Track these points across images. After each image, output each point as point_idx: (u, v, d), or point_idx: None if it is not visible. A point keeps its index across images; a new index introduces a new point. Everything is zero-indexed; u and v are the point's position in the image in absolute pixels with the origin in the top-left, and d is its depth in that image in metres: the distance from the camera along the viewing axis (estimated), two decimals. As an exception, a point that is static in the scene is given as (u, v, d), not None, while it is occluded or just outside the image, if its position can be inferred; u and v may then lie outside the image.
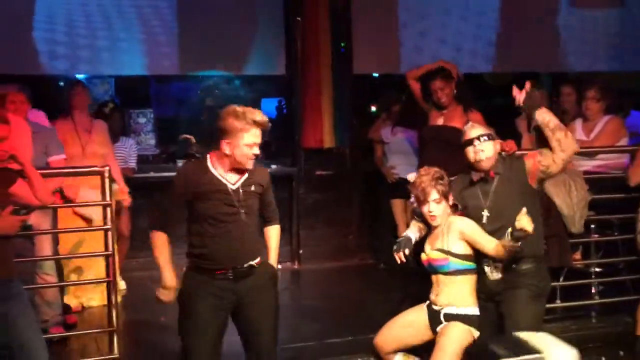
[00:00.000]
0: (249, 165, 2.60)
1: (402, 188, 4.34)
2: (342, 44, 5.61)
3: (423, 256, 2.97)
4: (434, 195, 2.86)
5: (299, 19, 5.46)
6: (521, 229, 2.64)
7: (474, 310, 2.85)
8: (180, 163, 5.54)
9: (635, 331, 3.63)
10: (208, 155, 2.66)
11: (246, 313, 2.68)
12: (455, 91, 4.21)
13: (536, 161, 2.92)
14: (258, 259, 2.69)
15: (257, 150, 2.60)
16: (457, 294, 2.84)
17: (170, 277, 2.65)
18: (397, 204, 5.10)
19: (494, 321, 2.96)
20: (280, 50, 5.57)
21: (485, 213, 2.92)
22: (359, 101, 5.85)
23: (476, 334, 2.83)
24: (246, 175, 2.63)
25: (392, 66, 5.81)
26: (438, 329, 2.86)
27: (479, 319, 2.85)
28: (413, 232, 3.04)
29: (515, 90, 3.00)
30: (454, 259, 2.84)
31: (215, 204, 2.57)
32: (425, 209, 2.89)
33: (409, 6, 5.79)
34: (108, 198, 3.20)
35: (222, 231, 2.58)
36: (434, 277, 2.94)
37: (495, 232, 2.87)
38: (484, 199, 2.94)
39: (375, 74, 6.31)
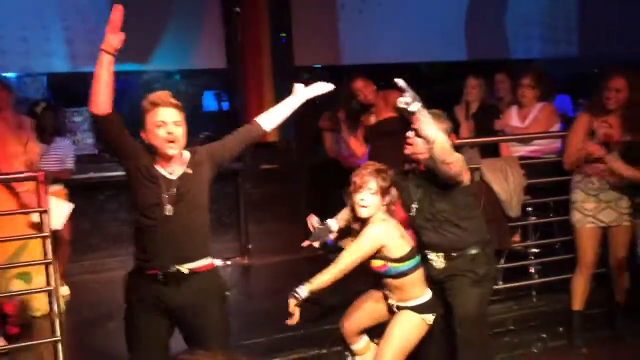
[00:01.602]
0: (169, 149, 2.33)
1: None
2: (283, 35, 5.58)
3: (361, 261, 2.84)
4: (371, 184, 2.76)
5: (237, 9, 5.39)
6: None
7: (424, 297, 2.87)
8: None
9: (572, 306, 3.83)
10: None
11: (187, 331, 2.44)
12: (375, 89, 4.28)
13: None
14: (196, 264, 2.39)
15: (172, 130, 2.33)
16: (407, 291, 2.85)
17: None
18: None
19: (443, 302, 3.01)
20: (220, 43, 5.48)
21: (415, 206, 2.95)
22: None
23: (430, 319, 2.85)
24: (184, 165, 2.41)
25: (334, 57, 5.83)
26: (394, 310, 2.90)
27: (431, 301, 2.88)
28: (338, 220, 3.01)
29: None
30: (392, 264, 2.80)
31: (147, 190, 2.36)
32: (357, 197, 2.76)
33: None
34: (44, 204, 3.08)
35: (150, 222, 2.35)
36: (383, 279, 2.89)
37: (423, 226, 2.91)
38: (413, 192, 2.94)
39: (317, 65, 6.33)
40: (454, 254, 2.93)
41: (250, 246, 5.45)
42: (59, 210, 3.98)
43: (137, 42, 5.18)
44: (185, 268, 2.38)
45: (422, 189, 2.94)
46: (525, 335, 3.90)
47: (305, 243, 2.99)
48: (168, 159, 2.39)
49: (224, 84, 6.19)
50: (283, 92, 5.43)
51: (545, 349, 3.86)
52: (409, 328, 2.84)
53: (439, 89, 6.46)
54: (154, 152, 2.40)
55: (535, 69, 4.83)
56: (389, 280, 2.88)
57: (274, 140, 5.42)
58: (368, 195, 2.77)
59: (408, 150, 2.91)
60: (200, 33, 5.43)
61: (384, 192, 2.79)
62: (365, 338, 3.07)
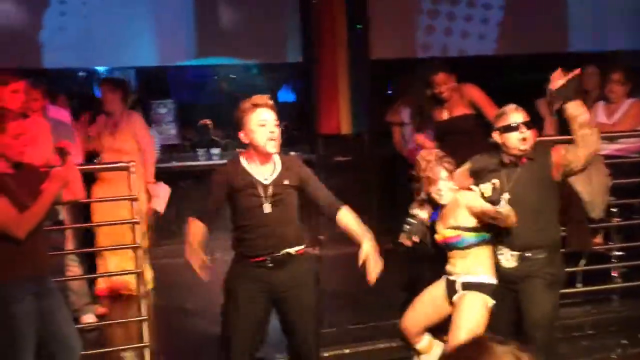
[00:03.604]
0: (270, 147, 2.62)
1: None
2: (358, 26, 5.56)
3: (437, 237, 3.01)
4: (442, 173, 2.94)
5: (314, 1, 5.41)
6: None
7: (490, 278, 2.88)
8: (200, 152, 5.63)
9: (656, 314, 3.65)
10: (240, 155, 2.75)
11: (285, 310, 2.73)
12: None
13: (561, 155, 2.91)
14: (298, 248, 2.72)
15: (272, 129, 2.62)
16: (472, 263, 2.89)
17: (192, 249, 2.66)
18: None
19: (510, 307, 2.97)
20: (296, 36, 5.55)
21: (505, 196, 2.89)
22: (376, 85, 5.83)
23: (491, 302, 2.85)
24: (279, 170, 2.69)
25: (411, 50, 5.76)
26: (454, 298, 2.90)
27: (494, 288, 2.87)
28: (423, 213, 3.06)
29: (557, 74, 2.91)
30: (466, 234, 2.89)
31: (245, 196, 2.66)
32: (434, 188, 2.94)
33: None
34: (135, 192, 3.28)
35: (254, 222, 2.65)
36: (449, 253, 2.99)
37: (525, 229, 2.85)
38: (507, 182, 2.93)
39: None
40: (528, 254, 2.88)
41: (322, 237, 5.53)
42: (164, 194, 4.17)
43: (214, 35, 5.39)
44: (291, 250, 2.68)
45: (515, 182, 2.92)
46: (605, 340, 3.76)
47: (403, 239, 3.03)
48: (264, 158, 2.66)
49: (299, 76, 6.27)
50: (358, 84, 5.53)
51: (626, 355, 3.71)
52: (474, 311, 2.84)
53: (520, 80, 6.27)
54: (249, 154, 2.67)
55: (625, 64, 4.58)
56: (457, 252, 2.91)
57: (347, 133, 5.45)
58: (443, 184, 2.95)
59: (525, 145, 2.88)
60: (277, 26, 5.51)
61: (452, 173, 2.98)
62: (427, 336, 3.07)
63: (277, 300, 2.73)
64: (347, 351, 3.39)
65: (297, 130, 5.92)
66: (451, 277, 2.96)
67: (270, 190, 2.66)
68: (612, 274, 4.10)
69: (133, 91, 5.35)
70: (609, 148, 4.16)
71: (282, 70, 6.62)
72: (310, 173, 2.82)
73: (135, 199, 3.26)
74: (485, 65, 5.92)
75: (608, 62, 4.78)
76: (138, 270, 3.30)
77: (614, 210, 4.05)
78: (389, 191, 5.64)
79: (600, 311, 3.92)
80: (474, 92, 3.99)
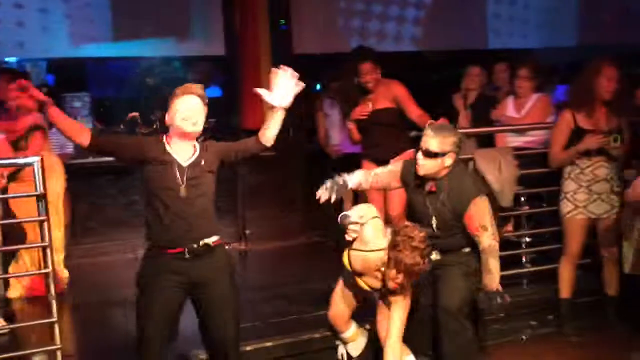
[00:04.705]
0: (187, 126, 2.60)
1: (347, 164, 4.40)
2: (282, 22, 5.58)
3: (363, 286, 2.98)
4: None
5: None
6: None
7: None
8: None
9: (560, 294, 3.89)
10: (165, 136, 2.71)
11: (203, 303, 2.68)
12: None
13: (473, 216, 2.93)
14: (215, 238, 2.67)
15: (193, 111, 2.60)
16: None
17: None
18: None
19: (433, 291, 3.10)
20: (219, 29, 5.49)
21: (434, 222, 2.99)
22: (300, 80, 5.84)
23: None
24: (196, 153, 2.66)
25: (334, 45, 5.84)
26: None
27: None
28: (353, 182, 3.08)
29: None
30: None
31: (161, 178, 2.59)
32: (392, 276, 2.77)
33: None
34: (41, 189, 3.13)
35: (169, 205, 2.58)
36: None
37: (432, 235, 2.91)
38: (430, 205, 2.99)
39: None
40: (450, 250, 3.04)
41: (247, 232, 5.51)
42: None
43: (134, 27, 5.25)
44: (209, 241, 2.63)
45: (436, 206, 2.99)
46: (515, 323, 3.96)
47: (322, 191, 3.02)
48: (184, 139, 2.64)
49: (224, 71, 6.21)
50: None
51: (535, 336, 3.93)
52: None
53: (440, 76, 6.50)
54: (168, 135, 2.66)
55: (533, 60, 4.84)
56: None
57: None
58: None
59: (421, 171, 2.96)
60: (199, 19, 5.44)
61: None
62: (354, 324, 3.14)
63: (195, 293, 2.69)
64: (269, 344, 3.39)
65: (221, 125, 5.85)
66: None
67: (187, 173, 2.61)
68: (522, 260, 4.32)
69: (41, 84, 5.10)
70: (518, 140, 4.38)
71: (207, 65, 6.53)
72: (224, 144, 2.78)
73: (42, 196, 3.11)
74: (405, 62, 6.10)
75: (519, 59, 5.02)
76: (47, 270, 3.15)
77: (523, 199, 4.28)
78: (314, 186, 5.68)
79: (511, 295, 4.09)
80: (399, 90, 4.06)
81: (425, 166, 2.93)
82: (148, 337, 2.63)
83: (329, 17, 5.84)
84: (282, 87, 2.70)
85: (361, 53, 4.23)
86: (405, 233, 2.73)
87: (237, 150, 2.75)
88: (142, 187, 2.73)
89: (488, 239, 2.92)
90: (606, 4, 6.79)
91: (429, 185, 2.98)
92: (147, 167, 2.61)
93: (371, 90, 4.11)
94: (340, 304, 3.09)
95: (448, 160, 2.94)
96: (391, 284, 2.78)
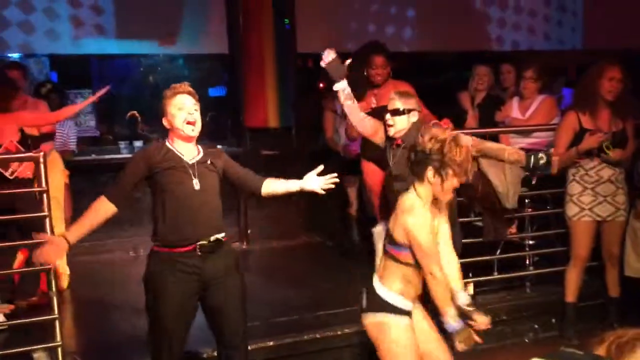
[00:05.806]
0: (189, 131, 2.62)
1: (355, 165, 4.37)
2: (286, 21, 5.56)
3: None
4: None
5: (239, -5, 5.37)
6: None
7: None
8: (123, 144, 5.45)
9: (565, 298, 3.86)
10: (166, 140, 2.71)
11: (215, 301, 2.65)
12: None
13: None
14: (224, 234, 2.68)
15: (191, 112, 2.62)
16: None
17: (70, 235, 2.60)
18: (350, 181, 5.06)
19: None
20: (222, 28, 5.48)
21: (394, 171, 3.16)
22: (304, 79, 5.85)
23: None
24: (201, 154, 2.69)
25: (338, 43, 5.81)
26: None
27: None
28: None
29: None
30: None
31: (172, 175, 2.60)
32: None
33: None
34: (44, 185, 3.12)
35: (182, 200, 2.58)
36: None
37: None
38: (391, 160, 3.22)
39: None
40: None
41: (249, 231, 5.49)
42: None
43: (138, 25, 5.23)
44: (219, 236, 2.64)
45: (397, 161, 3.15)
46: (518, 326, 3.94)
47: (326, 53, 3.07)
48: (186, 141, 2.65)
49: (227, 69, 6.19)
50: (285, 78, 5.52)
51: (537, 339, 3.91)
52: None
53: (446, 78, 6.47)
54: (171, 138, 2.67)
55: (538, 62, 4.82)
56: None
57: (274, 126, 5.43)
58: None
59: (392, 131, 3.16)
60: (203, 18, 5.43)
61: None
62: None
63: (207, 290, 2.64)
64: (270, 343, 3.37)
65: (225, 124, 5.85)
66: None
67: (196, 169, 2.62)
68: (525, 262, 4.29)
69: (43, 80, 5.10)
70: (523, 142, 4.35)
71: (210, 63, 6.52)
72: (232, 161, 2.81)
73: (45, 191, 3.10)
74: (411, 63, 6.08)
75: (525, 61, 5.00)
76: (48, 267, 3.13)
77: (527, 201, 4.25)
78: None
79: (514, 297, 4.09)
80: (407, 90, 4.03)
81: (397, 124, 3.15)
82: (172, 348, 2.59)
83: (333, 17, 5.82)
84: (318, 178, 2.82)
85: (376, 46, 4.23)
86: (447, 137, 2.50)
87: (239, 174, 2.77)
88: (146, 187, 2.71)
89: None
90: (613, 7, 6.75)
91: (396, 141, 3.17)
92: (156, 170, 2.61)
93: (378, 84, 4.08)
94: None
95: (413, 118, 3.17)
96: (446, 195, 2.55)
